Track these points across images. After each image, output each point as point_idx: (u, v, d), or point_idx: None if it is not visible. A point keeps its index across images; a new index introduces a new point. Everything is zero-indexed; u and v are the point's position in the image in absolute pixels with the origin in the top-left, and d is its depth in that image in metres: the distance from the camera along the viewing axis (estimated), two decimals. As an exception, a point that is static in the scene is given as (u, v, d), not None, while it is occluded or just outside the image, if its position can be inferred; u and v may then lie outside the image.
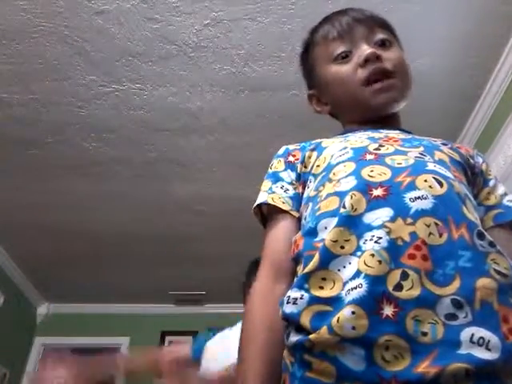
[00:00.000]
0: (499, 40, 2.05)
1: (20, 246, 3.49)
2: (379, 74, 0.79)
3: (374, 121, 0.82)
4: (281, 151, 0.83)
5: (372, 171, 0.63)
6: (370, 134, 0.76)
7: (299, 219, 0.72)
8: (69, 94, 2.26)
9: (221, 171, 2.78)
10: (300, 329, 0.55)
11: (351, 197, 0.61)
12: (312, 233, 0.63)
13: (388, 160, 0.65)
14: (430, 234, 0.55)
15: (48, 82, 2.19)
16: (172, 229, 3.31)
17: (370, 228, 0.57)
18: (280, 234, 0.71)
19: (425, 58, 2.12)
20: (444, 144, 0.75)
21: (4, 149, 2.57)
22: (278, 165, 0.80)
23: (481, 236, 0.57)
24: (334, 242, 0.58)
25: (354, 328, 0.50)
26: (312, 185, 0.71)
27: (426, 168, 0.63)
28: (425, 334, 0.49)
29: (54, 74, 2.15)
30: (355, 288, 0.53)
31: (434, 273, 0.53)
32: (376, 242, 0.55)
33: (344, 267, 0.56)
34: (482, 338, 0.49)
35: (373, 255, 0.55)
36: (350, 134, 0.79)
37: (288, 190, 0.75)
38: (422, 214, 0.57)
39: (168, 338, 4.24)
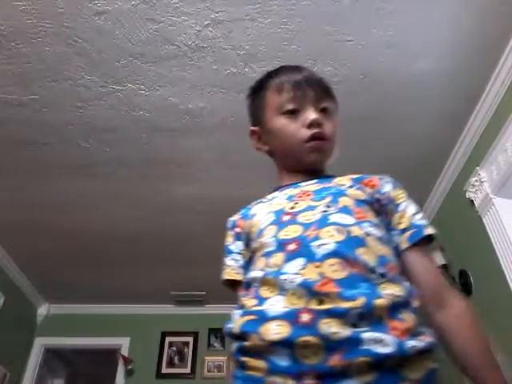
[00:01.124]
0: (499, 41, 2.05)
1: (20, 246, 3.49)
2: (318, 137, 0.94)
3: (304, 172, 0.98)
4: (229, 224, 1.01)
5: (287, 231, 0.80)
6: (290, 191, 0.93)
7: None
8: (69, 95, 2.26)
9: (221, 171, 2.78)
10: (237, 338, 0.70)
11: (273, 257, 0.77)
12: (248, 286, 0.80)
13: (300, 218, 0.82)
14: (334, 271, 0.70)
15: (48, 82, 2.19)
16: (172, 229, 3.31)
17: (288, 274, 0.72)
18: None
19: (425, 60, 2.12)
20: (351, 186, 0.89)
21: (4, 149, 2.57)
22: (228, 239, 0.98)
23: (372, 271, 0.72)
24: (265, 290, 0.74)
25: (278, 333, 0.65)
26: (251, 247, 0.88)
27: (328, 221, 0.79)
28: (336, 333, 0.63)
29: (54, 74, 2.15)
30: (282, 307, 0.69)
31: (342, 294, 0.67)
32: (292, 282, 0.71)
33: (273, 305, 0.70)
34: (379, 337, 0.63)
35: (294, 293, 0.70)
36: (275, 196, 0.95)
37: (238, 260, 0.92)
38: (326, 256, 0.72)
39: (168, 339, 4.24)
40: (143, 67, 2.14)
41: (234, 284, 0.91)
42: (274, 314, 0.68)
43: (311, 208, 0.83)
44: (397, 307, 0.68)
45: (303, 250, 0.75)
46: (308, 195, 0.88)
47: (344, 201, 0.84)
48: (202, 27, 1.98)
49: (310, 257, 0.73)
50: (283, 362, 0.64)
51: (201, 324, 4.28)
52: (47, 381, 4.39)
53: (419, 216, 0.88)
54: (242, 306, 0.77)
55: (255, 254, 0.84)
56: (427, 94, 2.30)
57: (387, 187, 0.91)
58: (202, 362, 4.12)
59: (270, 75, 1.08)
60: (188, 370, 4.09)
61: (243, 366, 0.68)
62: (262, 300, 0.73)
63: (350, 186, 0.89)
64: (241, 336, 0.70)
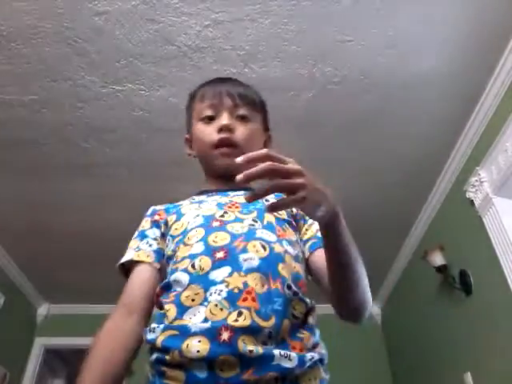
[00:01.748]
0: (499, 41, 2.05)
1: (20, 246, 3.49)
2: (225, 142, 0.98)
3: (222, 177, 1.01)
4: (149, 212, 1.04)
5: (216, 237, 0.83)
6: (219, 199, 0.97)
7: (159, 270, 0.91)
8: (69, 95, 2.26)
9: (221, 172, 2.78)
10: (158, 349, 0.73)
11: (200, 260, 0.80)
12: (168, 287, 0.82)
13: (229, 227, 0.86)
14: (256, 284, 0.76)
15: (48, 82, 2.19)
16: (172, 229, 3.31)
17: (214, 283, 0.76)
18: (135, 278, 0.90)
19: (425, 60, 2.12)
20: None
21: (4, 149, 2.57)
22: (145, 224, 1.01)
23: (289, 287, 0.79)
24: (187, 297, 0.76)
25: (198, 351, 0.68)
26: (170, 245, 0.90)
27: (255, 236, 0.84)
28: (251, 351, 0.68)
29: (54, 74, 2.15)
30: (202, 322, 0.72)
31: (259, 311, 0.73)
32: (218, 294, 0.75)
33: (194, 315, 0.74)
34: (285, 353, 0.70)
35: (216, 305, 0.73)
36: (204, 200, 0.98)
37: (152, 244, 0.95)
38: (250, 271, 0.77)
39: (168, 339, 4.24)
40: (143, 67, 2.14)
41: (133, 267, 0.92)
42: (194, 329, 0.71)
43: (239, 220, 0.88)
44: (296, 328, 0.77)
45: (231, 259, 0.79)
46: (236, 207, 0.92)
47: (268, 217, 0.90)
48: (202, 27, 1.98)
49: (237, 267, 0.78)
50: (201, 374, 0.68)
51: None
52: (47, 381, 4.39)
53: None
54: (163, 313, 0.79)
55: (176, 255, 0.85)
56: (427, 94, 2.30)
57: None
58: (201, 362, 4.12)
59: (201, 85, 1.14)
60: (188, 370, 4.09)
61: (162, 375, 0.71)
62: (182, 309, 0.75)
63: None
64: (161, 349, 0.72)
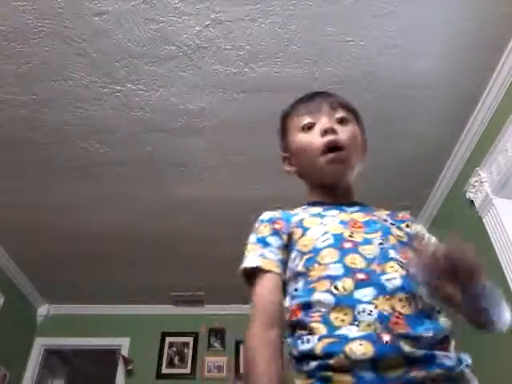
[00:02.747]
0: (499, 42, 2.04)
1: (20, 246, 3.49)
2: (332, 144, 0.98)
3: (330, 186, 1.02)
4: (265, 217, 1.01)
5: (352, 259, 0.83)
6: (338, 214, 0.95)
7: (282, 279, 0.90)
8: (69, 95, 2.26)
9: (221, 172, 2.78)
10: (315, 357, 0.73)
11: (342, 282, 0.80)
12: (308, 306, 0.80)
13: (361, 250, 0.85)
14: (404, 306, 0.77)
15: (48, 82, 2.19)
16: (172, 229, 3.31)
17: (360, 302, 0.76)
18: (272, 287, 0.88)
19: (425, 60, 2.12)
20: (392, 224, 0.96)
21: (4, 149, 2.57)
22: (264, 230, 0.97)
23: (429, 306, 0.79)
24: (336, 318, 0.76)
25: (364, 353, 0.70)
26: (299, 260, 0.88)
27: (389, 256, 0.84)
28: (413, 352, 0.70)
29: (54, 74, 2.15)
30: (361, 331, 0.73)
31: (411, 333, 0.73)
32: (369, 314, 0.75)
33: (346, 332, 0.74)
34: (446, 354, 0.73)
35: (369, 325, 0.74)
36: (322, 214, 0.96)
37: (277, 254, 0.92)
38: (395, 291, 0.78)
39: (168, 339, 4.24)
40: (143, 67, 2.14)
41: (261, 273, 0.90)
42: (354, 335, 0.73)
43: (368, 242, 0.87)
44: (446, 338, 0.78)
45: (374, 280, 0.79)
46: (360, 227, 0.92)
47: (392, 240, 0.89)
48: (202, 27, 1.98)
49: (381, 289, 0.78)
50: (368, 375, 0.69)
51: (200, 324, 4.28)
52: (47, 381, 4.38)
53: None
54: (309, 330, 0.78)
55: (310, 274, 0.84)
56: (427, 94, 2.30)
57: (418, 226, 1.01)
58: (201, 362, 4.12)
59: (292, 104, 1.15)
60: (188, 371, 4.08)
61: (327, 381, 0.71)
62: (332, 329, 0.75)
63: (392, 224, 0.96)
64: (323, 356, 0.72)
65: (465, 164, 2.62)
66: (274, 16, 1.93)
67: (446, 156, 2.71)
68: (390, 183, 2.87)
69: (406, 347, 0.70)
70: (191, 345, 4.21)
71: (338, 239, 0.87)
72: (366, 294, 0.77)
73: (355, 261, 0.83)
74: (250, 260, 0.92)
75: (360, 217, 0.95)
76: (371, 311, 0.75)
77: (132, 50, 2.06)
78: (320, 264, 0.84)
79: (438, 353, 0.72)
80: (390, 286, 0.78)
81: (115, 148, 2.59)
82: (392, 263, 0.82)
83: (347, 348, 0.71)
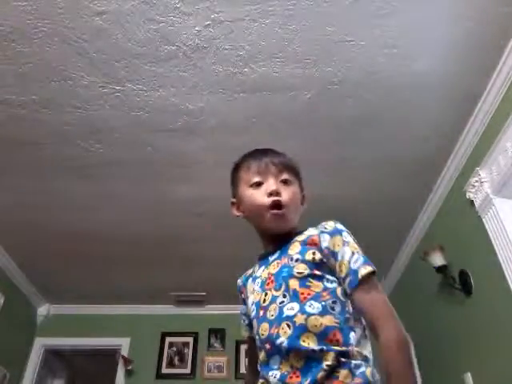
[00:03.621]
0: (499, 42, 2.04)
1: (20, 246, 3.49)
2: (276, 203, 1.14)
3: (272, 237, 1.18)
4: (237, 285, 1.28)
5: (262, 329, 1.03)
6: (263, 273, 1.14)
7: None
8: (69, 95, 2.26)
9: (221, 172, 2.77)
10: None
11: (261, 353, 1.03)
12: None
13: (268, 314, 1.03)
14: (297, 361, 0.95)
15: (48, 82, 2.19)
16: (172, 229, 3.31)
17: (271, 369, 0.98)
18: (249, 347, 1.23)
19: (424, 60, 2.12)
20: (297, 259, 1.07)
21: (4, 149, 2.57)
22: (239, 298, 1.27)
23: (315, 351, 0.95)
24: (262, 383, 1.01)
25: None
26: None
27: (282, 316, 1.00)
28: None
29: (54, 74, 2.15)
30: None
31: (301, 382, 0.93)
32: (274, 377, 0.96)
33: None
34: None
35: None
36: (256, 275, 1.17)
37: (244, 320, 1.23)
38: (288, 351, 0.96)
39: (168, 339, 4.24)
40: (143, 67, 2.14)
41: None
42: None
43: (274, 300, 1.04)
44: (333, 371, 0.91)
45: (275, 349, 0.98)
46: (271, 281, 1.08)
47: (292, 284, 1.03)
48: (202, 27, 1.98)
49: (281, 354, 0.97)
50: None
51: (201, 325, 4.28)
52: (47, 381, 4.39)
53: (354, 258, 1.03)
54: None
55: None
56: (427, 94, 2.30)
57: (325, 240, 1.07)
58: (201, 362, 4.12)
59: (243, 157, 1.30)
60: (188, 371, 4.09)
61: None
62: None
63: (297, 260, 1.07)
64: None
65: (465, 164, 2.62)
66: (274, 16, 1.93)
67: (446, 156, 2.71)
68: (390, 183, 2.87)
69: None
70: (191, 345, 4.22)
71: (257, 308, 1.08)
72: (275, 361, 0.98)
73: (264, 329, 1.02)
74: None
75: (274, 267, 1.11)
76: (276, 375, 0.95)
77: (132, 49, 2.06)
78: (255, 335, 1.09)
79: None
80: (283, 348, 0.96)
81: (115, 148, 2.59)
82: (283, 325, 0.98)
83: None
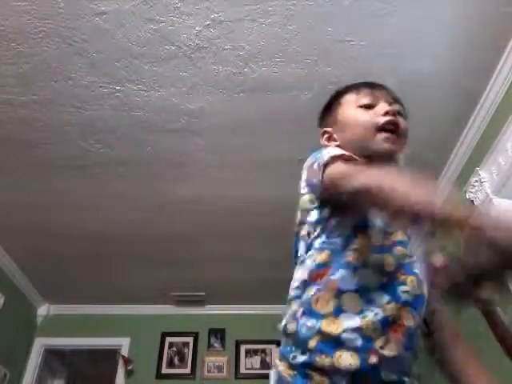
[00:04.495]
0: (499, 41, 2.04)
1: (20, 246, 3.49)
2: (393, 125, 0.99)
3: (378, 161, 0.99)
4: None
5: (385, 259, 0.86)
6: None
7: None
8: (69, 95, 2.26)
9: (221, 172, 2.78)
10: (304, 351, 0.78)
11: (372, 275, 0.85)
12: (333, 274, 0.84)
13: (395, 251, 0.87)
14: (408, 317, 0.82)
15: (48, 82, 2.19)
16: (172, 229, 3.31)
17: (374, 303, 0.81)
18: None
19: (424, 61, 2.12)
20: None
21: (4, 149, 2.57)
22: None
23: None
24: (347, 301, 0.81)
25: (350, 364, 0.75)
26: (347, 222, 0.91)
27: (414, 270, 0.88)
28: (387, 377, 0.77)
29: (54, 74, 2.15)
30: (354, 340, 0.78)
31: (404, 343, 0.80)
32: (375, 315, 0.80)
33: (349, 319, 0.79)
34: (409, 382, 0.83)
35: (371, 323, 0.79)
36: None
37: None
38: (406, 303, 0.83)
39: (168, 339, 4.24)
40: (143, 67, 2.14)
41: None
42: (349, 344, 0.77)
43: (405, 245, 0.92)
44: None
45: (391, 288, 0.85)
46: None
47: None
48: (202, 27, 1.98)
49: (395, 297, 0.84)
50: (343, 382, 0.75)
51: (201, 325, 4.28)
52: (47, 381, 4.39)
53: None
54: (316, 299, 0.82)
55: (348, 239, 0.88)
56: (427, 94, 2.30)
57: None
58: (202, 362, 4.12)
59: (349, 85, 1.11)
60: (188, 371, 4.08)
61: (308, 378, 0.77)
62: (340, 310, 0.81)
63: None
64: (313, 350, 0.78)
65: (465, 164, 2.62)
66: (274, 16, 1.93)
67: (446, 156, 2.71)
68: (390, 183, 2.87)
69: (384, 373, 0.77)
70: (191, 345, 4.21)
71: (381, 229, 0.92)
72: (382, 297, 0.82)
73: (386, 261, 0.86)
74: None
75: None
76: (377, 313, 0.80)
77: (132, 49, 2.06)
78: (361, 243, 0.88)
79: (406, 379, 0.81)
80: (403, 297, 0.84)
81: (115, 148, 2.59)
82: (413, 277, 0.88)
83: (337, 355, 0.76)
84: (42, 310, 4.32)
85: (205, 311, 4.36)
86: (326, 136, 1.08)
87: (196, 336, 4.25)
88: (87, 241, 3.40)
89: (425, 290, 0.88)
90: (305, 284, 0.85)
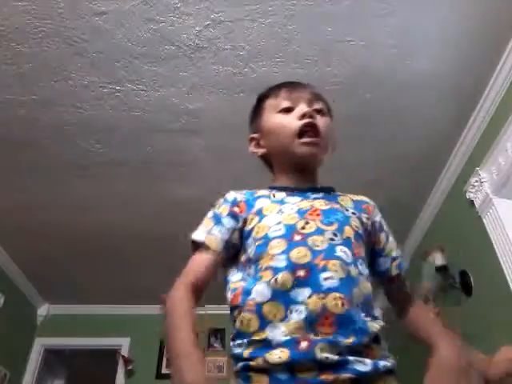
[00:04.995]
0: (499, 41, 2.04)
1: (20, 246, 3.49)
2: (310, 127, 0.98)
3: (298, 170, 1.03)
4: (229, 197, 1.03)
5: (298, 253, 0.85)
6: (299, 202, 0.96)
7: (220, 259, 0.97)
8: (69, 95, 2.26)
9: (220, 172, 2.78)
10: (244, 359, 0.79)
11: (282, 276, 0.83)
12: (248, 293, 0.85)
13: (310, 241, 0.87)
14: (336, 305, 0.79)
15: (48, 82, 2.19)
16: (172, 229, 3.30)
17: (294, 302, 0.80)
18: (205, 261, 0.98)
19: (424, 60, 2.12)
20: (353, 213, 0.98)
21: (4, 149, 2.57)
22: (223, 210, 1.01)
23: (363, 310, 0.83)
24: (269, 311, 0.81)
25: (279, 357, 0.75)
26: (251, 246, 0.92)
27: (335, 254, 0.85)
28: (327, 357, 0.74)
29: (54, 74, 2.15)
30: (281, 340, 0.78)
31: (338, 333, 0.77)
32: (298, 313, 0.79)
33: (275, 329, 0.79)
34: (360, 359, 0.76)
35: (297, 324, 0.78)
36: (284, 200, 0.98)
37: (224, 233, 0.96)
38: (331, 290, 0.80)
39: (168, 339, 4.24)
40: (143, 67, 2.14)
41: (203, 246, 0.98)
42: (277, 340, 0.78)
43: (320, 232, 0.89)
44: (373, 341, 0.81)
45: (312, 279, 0.82)
46: (317, 215, 0.93)
47: (347, 231, 0.91)
48: (202, 27, 1.98)
49: (316, 288, 0.81)
50: (283, 376, 0.75)
51: (201, 325, 4.28)
52: (47, 381, 4.39)
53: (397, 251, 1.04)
54: (242, 321, 0.83)
55: (259, 262, 0.88)
56: (427, 94, 2.30)
57: (377, 215, 1.05)
58: (201, 362, 4.11)
59: (270, 88, 1.12)
60: (188, 371, 4.08)
61: (248, 380, 0.77)
62: (264, 323, 0.80)
63: (353, 213, 0.97)
64: (247, 358, 0.79)
65: (465, 164, 2.62)
66: (274, 16, 1.93)
67: (446, 156, 2.71)
68: (390, 183, 2.87)
69: (320, 353, 0.75)
70: (191, 345, 4.21)
71: (290, 231, 0.89)
72: (301, 293, 0.80)
73: (300, 254, 0.85)
74: (198, 233, 1.02)
75: (321, 204, 0.96)
76: (301, 312, 0.79)
77: (132, 49, 2.06)
78: (268, 254, 0.87)
79: (351, 358, 0.75)
80: (325, 284, 0.81)
81: (115, 148, 2.59)
82: (335, 261, 0.84)
83: (267, 354, 0.76)
84: (42, 310, 4.32)
85: (205, 311, 4.36)
86: (253, 143, 1.11)
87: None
88: (87, 241, 3.40)
89: (353, 270, 0.85)
90: (230, 310, 0.92)
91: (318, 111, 1.03)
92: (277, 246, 0.87)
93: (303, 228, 0.89)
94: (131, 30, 1.98)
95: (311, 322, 0.78)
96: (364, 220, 0.98)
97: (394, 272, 1.01)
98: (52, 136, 2.49)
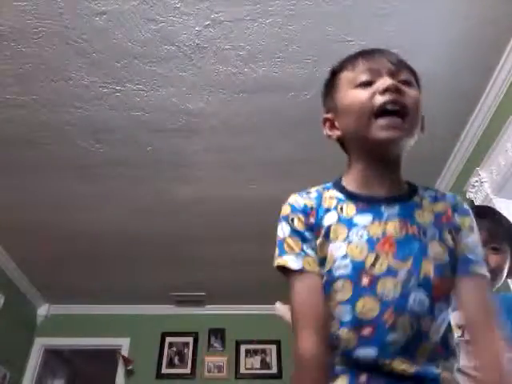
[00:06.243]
0: (499, 41, 2.04)
1: (20, 246, 3.49)
2: (395, 104, 0.80)
3: (376, 159, 0.87)
4: (298, 205, 0.85)
5: (363, 306, 0.75)
6: (370, 225, 0.80)
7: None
8: (69, 95, 2.26)
9: (220, 172, 2.78)
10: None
11: (347, 332, 0.75)
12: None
13: (380, 286, 0.75)
14: (403, 369, 0.71)
15: (48, 82, 2.19)
16: (172, 229, 3.31)
17: (357, 363, 0.73)
18: (315, 293, 0.78)
19: (424, 60, 2.12)
20: (433, 237, 0.81)
21: (4, 149, 2.57)
22: (297, 222, 0.83)
23: (430, 359, 0.75)
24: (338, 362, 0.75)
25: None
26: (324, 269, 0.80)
27: (407, 307, 0.74)
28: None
29: (54, 74, 2.15)
30: None
31: None
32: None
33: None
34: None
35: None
36: (353, 221, 0.81)
37: (315, 250, 0.80)
38: (394, 355, 0.72)
39: (168, 339, 4.24)
40: (143, 67, 2.14)
41: (288, 271, 0.81)
42: None
43: (393, 273, 0.76)
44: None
45: (376, 339, 0.73)
46: (390, 245, 0.78)
47: (425, 268, 0.77)
48: (202, 27, 1.98)
49: (382, 353, 0.73)
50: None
51: (201, 325, 4.28)
52: (47, 381, 4.39)
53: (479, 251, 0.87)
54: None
55: (329, 298, 0.78)
56: (427, 94, 2.28)
57: (459, 219, 0.90)
58: (202, 362, 4.12)
59: (345, 59, 0.95)
60: (188, 371, 4.08)
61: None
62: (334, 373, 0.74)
63: (432, 237, 0.81)
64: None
65: (465, 164, 2.62)
66: (274, 16, 1.93)
67: (446, 156, 2.71)
68: (390, 183, 2.87)
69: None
70: (191, 345, 4.22)
71: (357, 270, 0.76)
72: (366, 353, 0.73)
73: (366, 308, 0.74)
74: (290, 258, 0.81)
75: (396, 229, 0.80)
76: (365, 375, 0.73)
77: (132, 50, 2.06)
78: (333, 298, 0.77)
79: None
80: (391, 349, 0.73)
81: (115, 148, 2.59)
82: (404, 319, 0.74)
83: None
84: (42, 310, 4.32)
85: (205, 311, 4.36)
86: (327, 124, 0.92)
87: (196, 336, 4.25)
88: (87, 241, 3.40)
89: (426, 323, 0.76)
90: None
91: (404, 82, 0.83)
92: (341, 291, 0.76)
93: (373, 265, 0.76)
94: (131, 30, 1.98)
95: None
96: (450, 242, 0.82)
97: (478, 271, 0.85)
98: (52, 136, 2.49)
